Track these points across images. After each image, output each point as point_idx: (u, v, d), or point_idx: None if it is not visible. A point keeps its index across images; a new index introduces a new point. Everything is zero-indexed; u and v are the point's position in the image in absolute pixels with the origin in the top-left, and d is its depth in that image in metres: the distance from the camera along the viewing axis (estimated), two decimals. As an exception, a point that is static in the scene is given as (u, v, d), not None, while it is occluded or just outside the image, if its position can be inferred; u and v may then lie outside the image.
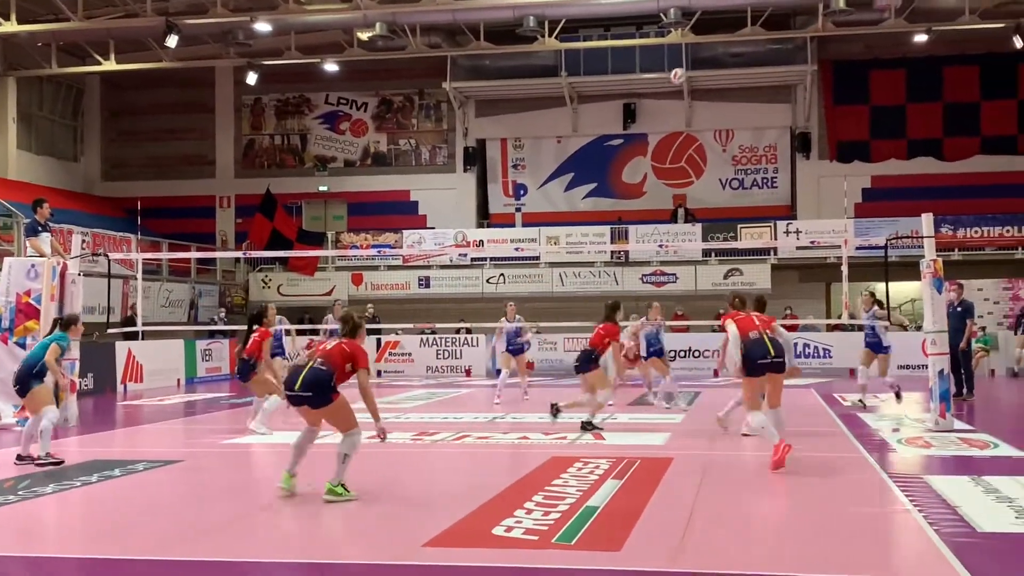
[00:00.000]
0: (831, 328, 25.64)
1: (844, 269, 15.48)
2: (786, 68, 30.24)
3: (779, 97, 31.40)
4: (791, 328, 25.13)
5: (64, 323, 11.54)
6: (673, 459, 10.52)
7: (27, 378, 10.75)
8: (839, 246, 18.69)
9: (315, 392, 8.40)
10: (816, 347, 25.49)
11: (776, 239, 28.19)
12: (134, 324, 19.30)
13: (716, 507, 8.31)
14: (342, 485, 8.49)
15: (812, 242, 26.01)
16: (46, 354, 10.78)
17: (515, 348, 18.07)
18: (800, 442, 12.65)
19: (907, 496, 8.45)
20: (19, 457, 10.70)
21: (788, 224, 29.10)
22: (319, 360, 8.48)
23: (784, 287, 28.46)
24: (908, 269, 27.52)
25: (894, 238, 18.09)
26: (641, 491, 8.73)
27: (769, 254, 28.61)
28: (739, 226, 28.96)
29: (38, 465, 10.41)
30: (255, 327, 13.09)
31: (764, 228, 28.79)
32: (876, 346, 16.30)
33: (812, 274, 28.96)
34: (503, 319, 18.20)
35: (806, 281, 29.24)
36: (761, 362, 9.88)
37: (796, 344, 25.41)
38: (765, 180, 32.00)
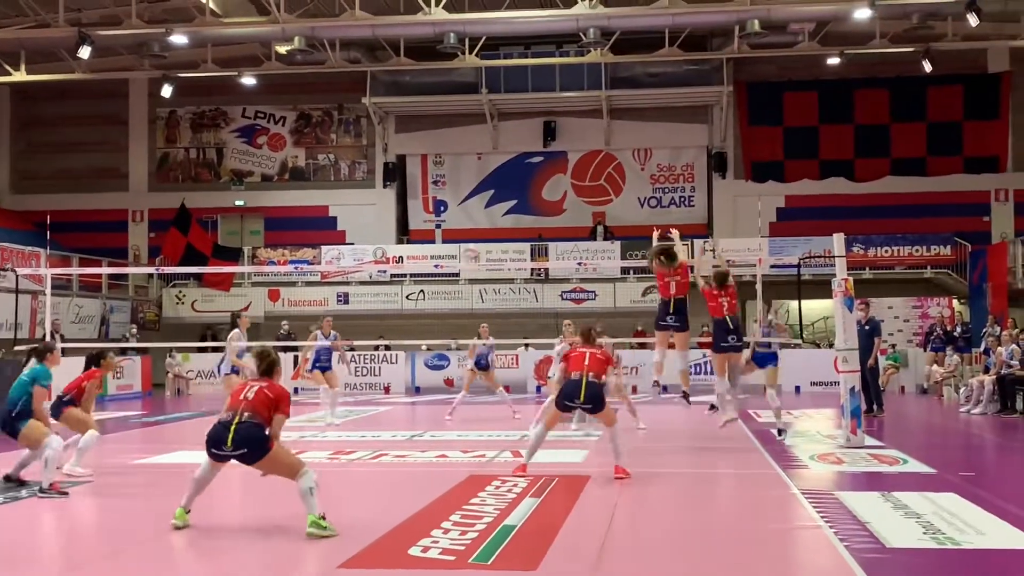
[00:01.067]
0: (746, 346, 25.93)
1: (758, 287, 15.73)
2: (703, 89, 30.72)
3: (696, 117, 31.87)
4: (707, 345, 25.52)
5: (40, 353, 10.66)
6: (591, 476, 10.54)
7: (12, 420, 10.14)
8: (754, 264, 18.99)
9: (249, 448, 8.01)
10: (732, 364, 25.76)
11: (693, 257, 28.49)
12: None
13: (632, 524, 8.34)
14: (323, 517, 7.93)
15: (728, 261, 26.31)
16: (33, 402, 10.18)
17: (484, 365, 18.13)
18: (715, 458, 12.83)
19: (818, 512, 8.57)
20: (6, 478, 10.24)
21: (705, 242, 29.44)
22: (247, 415, 8.03)
23: (701, 304, 28.63)
24: (820, 287, 28.04)
25: (807, 257, 18.46)
26: (559, 509, 8.74)
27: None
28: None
29: (41, 496, 9.74)
30: (92, 367, 11.75)
31: (682, 246, 29.03)
32: (764, 358, 15.65)
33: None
34: (476, 339, 18.14)
35: (722, 299, 29.61)
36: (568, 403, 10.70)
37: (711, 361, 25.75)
38: (683, 199, 32.42)
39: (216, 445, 8.03)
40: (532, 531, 7.84)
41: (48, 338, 16.75)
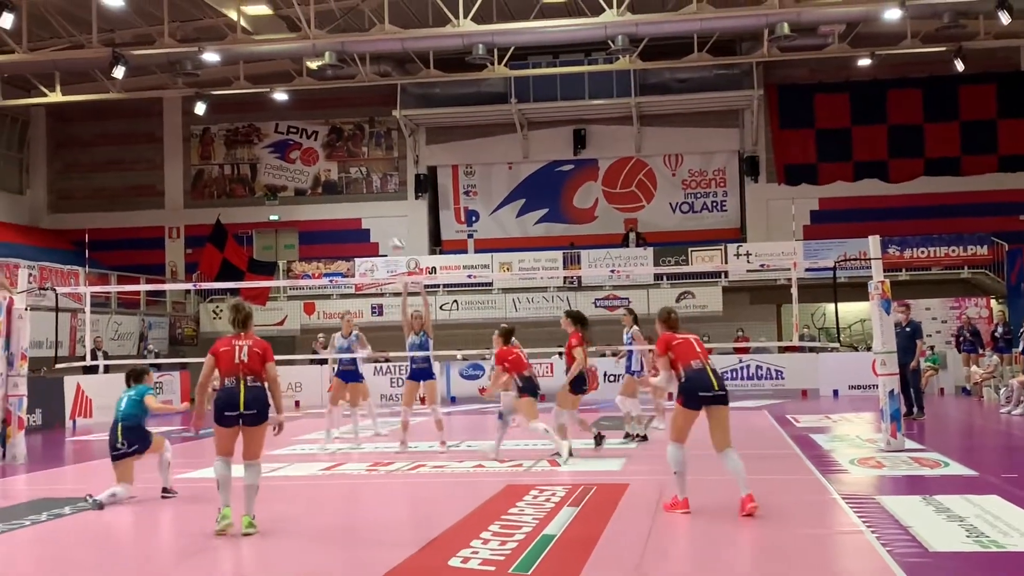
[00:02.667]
0: (783, 350, 25.87)
1: (794, 291, 15.65)
2: (733, 93, 30.64)
3: (727, 121, 31.78)
4: (743, 350, 25.46)
5: (138, 375, 10.95)
6: (629, 484, 10.53)
7: (143, 438, 10.53)
8: (789, 268, 18.90)
9: (258, 410, 8.40)
10: (768, 369, 25.70)
11: (727, 262, 28.47)
12: (95, 358, 19.05)
13: (672, 532, 8.33)
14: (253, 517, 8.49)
15: (762, 265, 26.31)
16: (151, 405, 10.61)
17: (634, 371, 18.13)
18: (753, 464, 12.75)
19: (860, 516, 8.52)
20: (165, 490, 10.59)
21: (738, 247, 29.41)
22: (250, 378, 8.41)
23: (735, 309, 28.72)
24: (856, 290, 27.90)
25: (842, 260, 18.38)
26: (597, 518, 8.73)
27: (720, 277, 28.85)
28: (690, 249, 29.21)
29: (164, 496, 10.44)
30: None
31: (715, 251, 29.07)
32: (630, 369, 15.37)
33: (762, 296, 29.26)
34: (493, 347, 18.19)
35: (757, 303, 29.53)
36: (702, 394, 8.96)
37: (749, 366, 25.72)
38: (715, 204, 32.33)
39: (230, 407, 8.34)
40: (572, 540, 7.85)
41: (90, 356, 16.99)
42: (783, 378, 25.57)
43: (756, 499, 8.80)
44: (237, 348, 8.50)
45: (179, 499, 10.54)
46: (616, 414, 17.05)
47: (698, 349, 9.12)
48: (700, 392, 8.88)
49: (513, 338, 13.62)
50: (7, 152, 33.07)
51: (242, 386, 8.36)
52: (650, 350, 14.82)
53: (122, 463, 10.47)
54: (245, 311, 8.71)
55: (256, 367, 8.46)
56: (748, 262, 28.09)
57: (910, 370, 17.19)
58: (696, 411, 8.98)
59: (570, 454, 12.51)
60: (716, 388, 8.91)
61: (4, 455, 14.08)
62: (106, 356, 21.94)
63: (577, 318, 13.53)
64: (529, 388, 12.81)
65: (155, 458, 10.68)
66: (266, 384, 8.50)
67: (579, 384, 13.20)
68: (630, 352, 15.35)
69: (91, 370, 20.95)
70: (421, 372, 14.70)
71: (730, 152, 32.18)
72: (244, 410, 8.33)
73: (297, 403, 25.57)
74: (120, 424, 10.48)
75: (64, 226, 33.15)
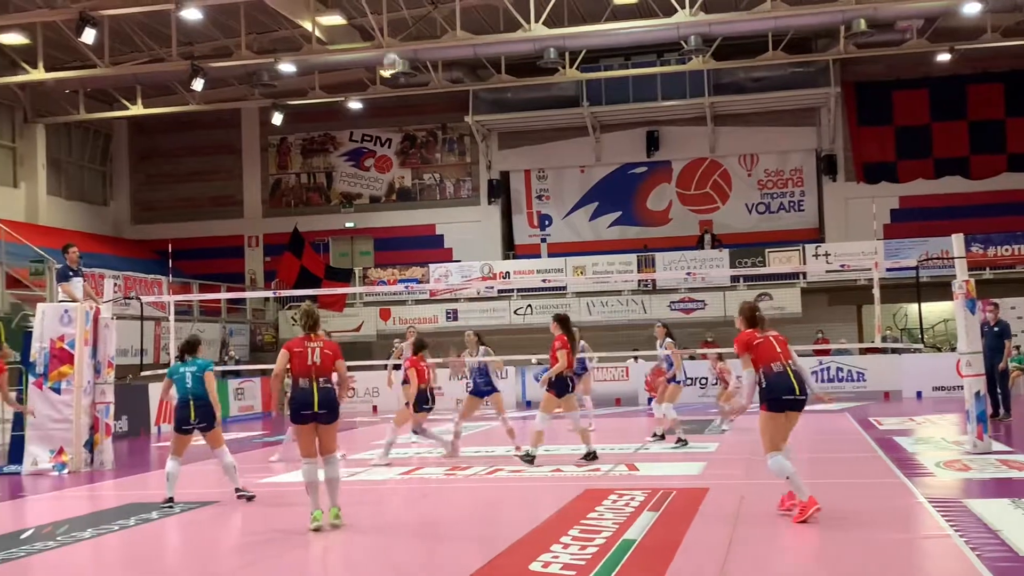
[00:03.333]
0: (864, 351, 25.45)
1: (876, 292, 15.37)
2: (809, 91, 30.23)
3: (803, 120, 31.37)
4: (823, 352, 25.10)
5: (192, 346, 11.21)
6: (709, 489, 10.44)
7: (211, 414, 10.85)
8: (869, 268, 18.56)
9: (330, 410, 8.95)
10: (849, 371, 25.31)
11: (805, 263, 28.08)
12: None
13: (755, 537, 8.23)
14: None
15: (842, 265, 25.89)
16: (211, 387, 10.90)
17: (579, 371, 18.15)
18: (837, 468, 12.57)
19: (947, 520, 8.35)
20: (237, 491, 10.82)
21: (816, 247, 28.99)
22: (322, 380, 8.92)
23: (814, 310, 28.32)
24: (940, 289, 27.22)
25: (925, 259, 18.01)
26: (678, 523, 8.66)
27: (798, 278, 28.46)
28: (767, 251, 28.88)
29: (239, 496, 10.70)
30: None
31: (792, 252, 28.69)
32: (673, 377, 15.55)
33: (842, 297, 28.79)
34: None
35: (836, 304, 29.07)
36: (786, 398, 8.72)
37: (829, 368, 25.36)
38: (792, 203, 31.91)
39: (305, 407, 8.86)
40: (652, 546, 7.80)
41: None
42: (864, 380, 25.15)
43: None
44: (310, 350, 8.99)
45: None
46: (694, 418, 16.97)
47: (779, 349, 8.82)
48: (784, 396, 8.66)
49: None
50: (91, 165, 33.91)
51: (315, 387, 8.87)
52: (692, 357, 15.09)
53: (186, 438, 10.87)
54: (316, 315, 9.20)
55: (328, 368, 8.98)
56: (827, 263, 27.67)
57: (998, 371, 16.79)
58: (782, 414, 8.72)
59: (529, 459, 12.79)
60: (798, 392, 8.68)
61: (92, 461, 14.42)
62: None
63: (562, 321, 13.37)
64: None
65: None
66: (335, 383, 9.02)
67: (561, 387, 12.98)
68: (670, 363, 15.49)
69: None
70: (486, 388, 14.94)
71: (807, 151, 31.75)
72: (318, 410, 8.86)
73: (374, 408, 25.82)
74: (192, 402, 10.78)
75: (147, 236, 33.90)
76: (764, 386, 8.69)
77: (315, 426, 8.96)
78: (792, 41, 26.46)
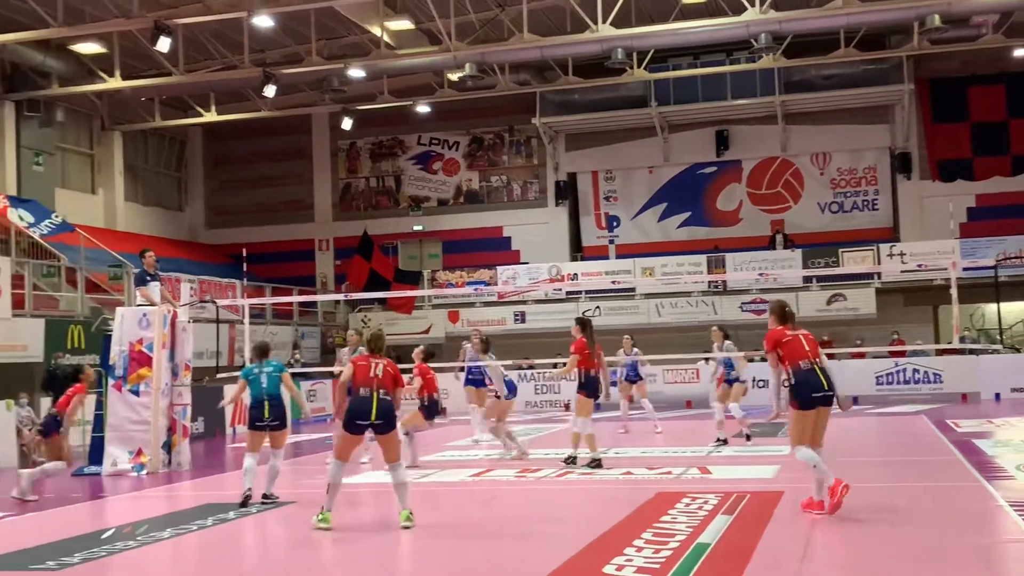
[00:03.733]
0: (941, 352, 24.97)
1: (953, 291, 15.07)
2: (882, 88, 29.69)
3: (876, 117, 30.86)
4: (899, 354, 24.69)
5: (264, 351, 11.48)
6: (784, 492, 10.32)
7: (285, 414, 11.17)
8: (946, 268, 18.20)
9: (386, 420, 9.19)
10: (926, 372, 24.86)
11: (879, 263, 27.62)
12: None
13: (831, 541, 8.12)
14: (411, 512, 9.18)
15: (919, 265, 25.41)
16: (290, 386, 11.24)
17: (632, 377, 18.60)
18: (915, 471, 12.36)
19: (1030, 525, 8.17)
20: (265, 496, 10.94)
21: (891, 247, 28.50)
22: (382, 392, 9.16)
23: (890, 311, 27.84)
24: (1018, 289, 26.72)
25: (1002, 258, 17.61)
26: (753, 527, 8.58)
27: (873, 278, 27.99)
28: (840, 250, 28.44)
29: (264, 501, 10.82)
30: (71, 383, 12.80)
31: (867, 252, 28.22)
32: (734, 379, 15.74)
33: (918, 297, 28.26)
34: (621, 351, 18.53)
35: (912, 305, 28.53)
36: (815, 395, 8.90)
37: (905, 369, 24.93)
38: (865, 203, 31.40)
39: (361, 417, 9.12)
40: (727, 549, 7.73)
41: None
42: (941, 381, 24.68)
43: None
44: (373, 364, 9.35)
45: (339, 502, 10.77)
46: (760, 421, 16.79)
47: (807, 347, 8.96)
48: (813, 393, 8.83)
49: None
50: (166, 171, 34.57)
51: (375, 397, 9.14)
52: (763, 359, 15.13)
53: (260, 435, 11.05)
54: (381, 339, 9.72)
55: (387, 383, 9.26)
56: (902, 262, 27.18)
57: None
58: (811, 411, 8.89)
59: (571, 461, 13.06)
60: (826, 388, 8.84)
61: (170, 462, 14.70)
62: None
63: (583, 324, 13.28)
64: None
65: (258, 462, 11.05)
66: (393, 399, 9.28)
67: (591, 390, 13.03)
68: (729, 364, 15.71)
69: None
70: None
71: (880, 149, 31.23)
72: (375, 420, 9.12)
73: (444, 409, 25.92)
74: (267, 401, 11.00)
75: (221, 240, 34.46)
76: (793, 383, 8.88)
77: (362, 438, 9.43)
78: (864, 38, 26.03)
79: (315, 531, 9.07)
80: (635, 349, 18.67)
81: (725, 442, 15.24)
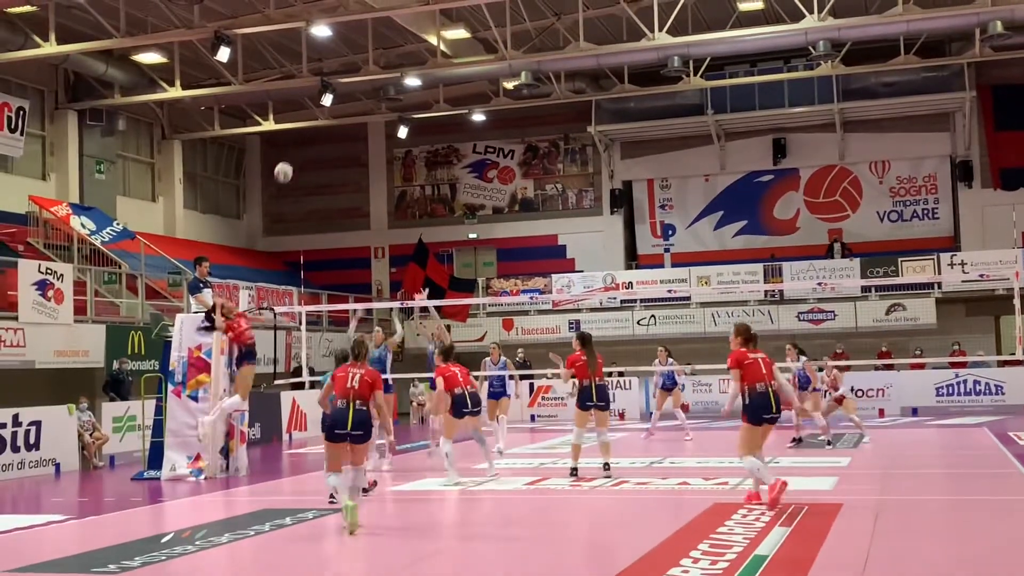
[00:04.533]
0: (1003, 364, 24.50)
1: (1016, 302, 14.78)
2: (943, 95, 29.24)
3: (937, 125, 30.40)
4: (959, 365, 24.29)
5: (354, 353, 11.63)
6: (843, 504, 10.17)
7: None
8: (1008, 277, 17.84)
9: (363, 431, 9.61)
10: (987, 383, 24.41)
11: (940, 272, 27.19)
12: (299, 375, 19.90)
13: (892, 555, 7.99)
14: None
15: (980, 275, 24.96)
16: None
17: (667, 386, 18.90)
18: (976, 484, 12.14)
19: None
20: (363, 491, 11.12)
21: (952, 256, 28.04)
22: (358, 402, 9.55)
23: (950, 322, 27.40)
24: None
25: (1068, 268, 17.21)
26: (811, 539, 8.47)
27: (933, 288, 27.55)
28: (900, 260, 28.03)
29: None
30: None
31: (927, 261, 27.77)
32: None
33: (980, 307, 27.77)
34: (656, 361, 18.85)
35: (973, 315, 28.04)
36: (765, 416, 10.24)
37: (965, 381, 24.52)
38: (925, 211, 30.94)
39: (339, 426, 9.55)
40: (785, 562, 7.64)
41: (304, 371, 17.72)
42: (1003, 393, 24.22)
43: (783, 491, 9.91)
44: (351, 375, 9.70)
45: (388, 510, 10.81)
46: (815, 431, 16.66)
47: (764, 371, 10.24)
48: (763, 415, 10.19)
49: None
50: (225, 179, 35.02)
51: (351, 408, 9.55)
52: (820, 368, 15.65)
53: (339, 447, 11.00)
54: (365, 346, 10.14)
55: (364, 393, 9.62)
56: (963, 272, 26.72)
57: None
58: (759, 427, 10.26)
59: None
60: (774, 411, 10.22)
61: (228, 467, 14.84)
62: (312, 372, 22.86)
63: (582, 339, 13.59)
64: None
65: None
66: (372, 408, 9.67)
67: (583, 401, 13.12)
68: (805, 378, 16.55)
69: (298, 386, 21.81)
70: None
71: (941, 157, 30.76)
72: (351, 430, 9.52)
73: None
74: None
75: (278, 248, 34.80)
76: (748, 402, 10.22)
77: (345, 446, 9.62)
78: (925, 44, 25.66)
79: (360, 538, 9.14)
80: (671, 359, 18.91)
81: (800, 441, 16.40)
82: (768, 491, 9.93)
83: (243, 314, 14.83)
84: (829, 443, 16.21)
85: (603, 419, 13.30)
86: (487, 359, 17.66)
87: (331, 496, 10.26)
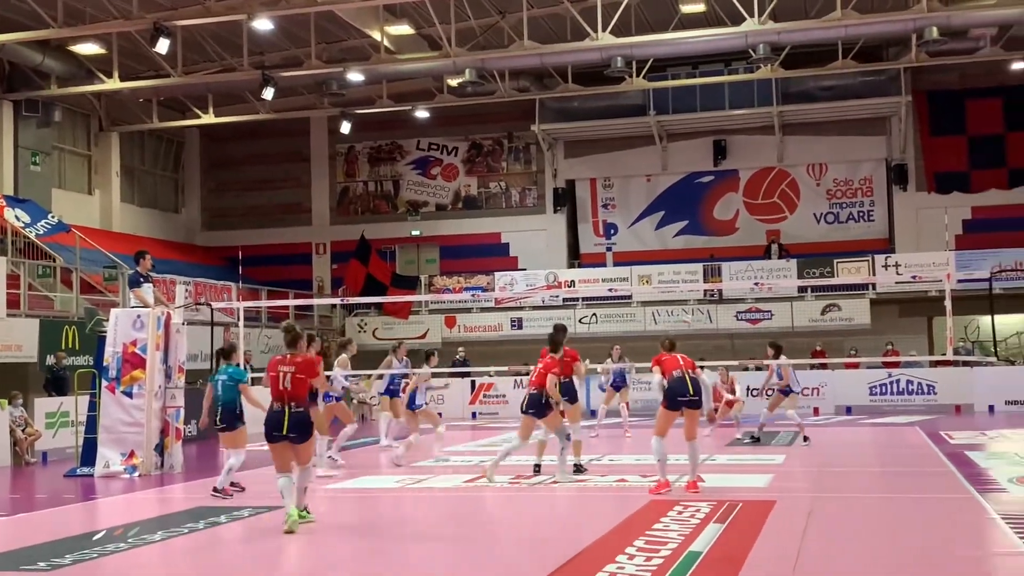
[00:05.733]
0: (935, 364, 24.98)
1: (948, 303, 15.09)
2: (879, 100, 29.74)
3: (873, 129, 30.92)
4: (892, 364, 24.73)
5: (226, 353, 12.33)
6: (776, 502, 10.32)
7: (233, 418, 11.82)
8: (941, 280, 18.23)
9: (299, 432, 9.41)
10: (920, 383, 24.84)
11: (874, 274, 27.67)
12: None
13: (823, 552, 8.12)
14: (306, 509, 9.64)
15: (913, 276, 25.44)
16: (246, 395, 11.88)
17: (617, 385, 19.11)
18: (907, 482, 12.37)
19: (1021, 537, 8.18)
20: (215, 490, 11.52)
21: (887, 258, 28.55)
22: (293, 404, 9.35)
23: (884, 322, 27.88)
24: (1013, 301, 26.78)
25: (997, 270, 17.65)
26: (745, 536, 8.58)
27: (868, 289, 28.03)
28: (836, 261, 28.49)
29: (215, 495, 11.38)
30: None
31: (862, 262, 28.27)
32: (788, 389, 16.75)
33: (913, 308, 28.28)
34: (608, 360, 18.95)
35: (907, 316, 28.56)
36: (680, 399, 10.97)
37: (898, 380, 24.95)
38: (861, 213, 31.45)
39: (276, 429, 9.39)
40: (719, 558, 7.73)
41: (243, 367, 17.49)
42: (935, 393, 24.67)
43: (701, 487, 10.98)
44: (282, 375, 9.42)
45: (324, 507, 10.76)
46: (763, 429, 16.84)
47: (681, 362, 11.13)
48: (679, 397, 10.94)
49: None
50: (163, 172, 34.55)
51: (287, 412, 9.36)
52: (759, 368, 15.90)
53: (236, 432, 11.93)
54: (294, 332, 9.61)
55: (299, 393, 9.40)
56: (897, 273, 27.23)
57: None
58: (676, 412, 11.04)
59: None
60: (691, 394, 10.94)
61: (162, 464, 14.67)
62: (252, 369, 22.64)
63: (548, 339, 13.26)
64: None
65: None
66: (306, 408, 9.52)
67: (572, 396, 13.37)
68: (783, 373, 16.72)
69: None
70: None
71: (877, 160, 31.30)
72: (287, 433, 9.38)
73: (439, 414, 25.88)
74: (222, 408, 11.86)
75: (217, 243, 34.43)
76: (667, 387, 11.04)
77: (287, 445, 9.44)
78: (863, 49, 26.10)
79: (298, 535, 9.10)
80: (624, 358, 19.00)
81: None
82: (657, 487, 10.92)
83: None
84: (756, 439, 16.55)
85: (571, 413, 13.24)
86: (391, 356, 16.87)
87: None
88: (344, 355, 15.76)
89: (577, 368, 13.38)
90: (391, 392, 16.81)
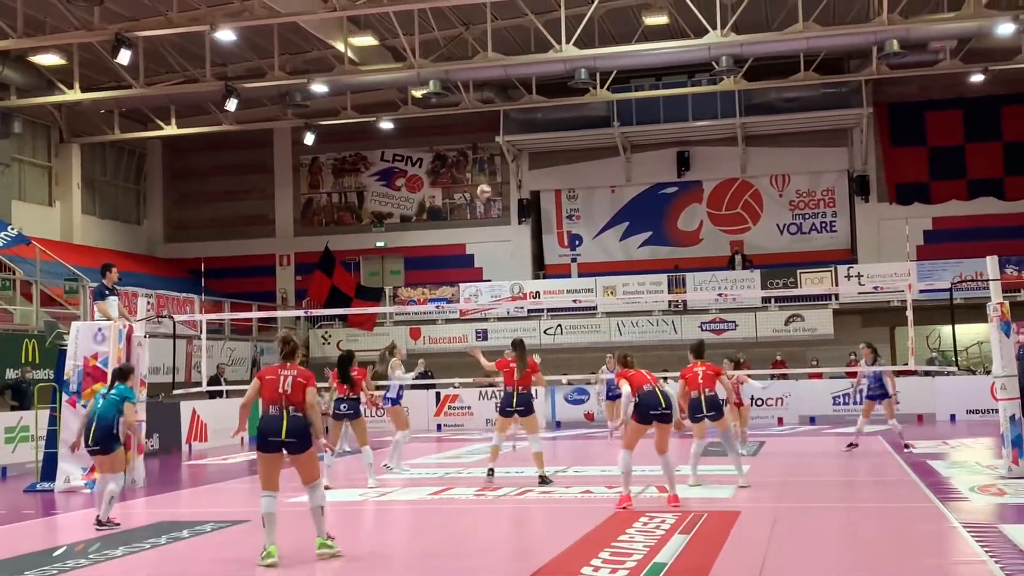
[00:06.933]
0: (897, 374, 25.14)
1: (909, 314, 15.25)
2: (841, 112, 30.07)
3: (835, 141, 31.23)
4: (853, 375, 24.89)
5: (123, 374, 11.33)
6: (741, 512, 10.36)
7: (110, 438, 10.73)
8: (903, 290, 18.40)
9: (298, 439, 8.62)
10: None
11: (837, 284, 27.89)
12: (218, 383, 19.54)
13: (787, 562, 8.16)
14: (329, 536, 8.68)
15: (875, 287, 25.68)
16: (125, 416, 10.82)
17: (613, 396, 18.83)
18: (870, 491, 12.46)
19: (981, 546, 8.26)
20: (99, 522, 10.60)
21: (849, 268, 28.82)
22: (292, 408, 8.60)
23: (847, 332, 28.09)
24: (974, 311, 26.92)
25: (958, 280, 17.84)
26: (709, 546, 8.61)
27: (830, 299, 28.26)
28: (799, 271, 28.72)
29: (99, 527, 10.47)
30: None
31: (824, 273, 28.52)
32: (882, 396, 16.95)
33: (875, 318, 28.56)
34: (603, 369, 19.29)
35: (869, 326, 28.79)
36: (652, 412, 10.94)
37: (862, 390, 25.10)
38: (824, 224, 31.74)
39: (272, 434, 8.58)
40: (683, 569, 7.74)
41: (208, 382, 17.36)
42: (897, 403, 24.83)
43: (681, 502, 10.87)
44: (281, 378, 8.72)
45: (288, 523, 10.67)
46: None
47: (648, 377, 11.19)
48: (651, 411, 10.92)
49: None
50: (125, 184, 34.24)
51: (285, 415, 8.60)
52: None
53: (113, 455, 10.80)
54: (293, 343, 8.98)
55: (298, 398, 8.65)
56: (860, 284, 27.47)
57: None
58: (647, 425, 11.01)
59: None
60: (663, 407, 10.95)
61: (124, 479, 14.47)
62: (226, 382, 22.47)
63: (513, 345, 14.02)
64: None
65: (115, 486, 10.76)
66: (306, 415, 8.67)
67: (504, 407, 13.65)
68: (877, 378, 16.98)
69: (216, 395, 21.44)
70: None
71: (839, 172, 31.60)
72: (285, 438, 8.58)
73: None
74: (97, 425, 10.74)
75: (179, 255, 34.16)
76: (637, 402, 10.98)
77: (279, 458, 8.70)
78: (824, 61, 26.37)
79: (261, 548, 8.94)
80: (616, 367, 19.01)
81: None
82: (620, 500, 10.87)
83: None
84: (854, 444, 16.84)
85: (528, 424, 13.62)
86: (394, 359, 16.35)
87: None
88: (395, 358, 15.91)
89: (538, 378, 13.78)
90: (395, 400, 16.14)
